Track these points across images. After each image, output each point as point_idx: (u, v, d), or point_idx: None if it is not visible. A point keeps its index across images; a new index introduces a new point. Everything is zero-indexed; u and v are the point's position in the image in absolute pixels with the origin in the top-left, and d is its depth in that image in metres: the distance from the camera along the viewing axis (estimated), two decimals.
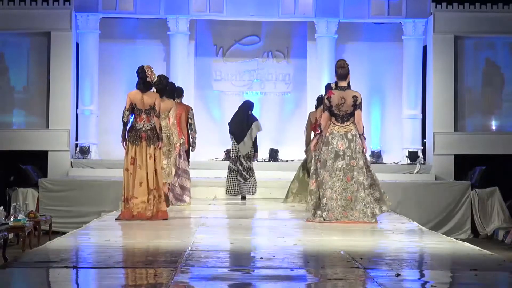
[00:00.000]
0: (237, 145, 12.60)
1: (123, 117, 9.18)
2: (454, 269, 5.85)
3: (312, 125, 11.81)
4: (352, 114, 9.00)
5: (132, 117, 9.23)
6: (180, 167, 11.33)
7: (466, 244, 7.13)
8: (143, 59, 16.63)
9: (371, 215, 8.86)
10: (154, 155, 9.14)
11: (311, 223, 8.89)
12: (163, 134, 9.63)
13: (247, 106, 12.88)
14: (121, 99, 16.76)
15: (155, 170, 9.14)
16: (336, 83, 9.20)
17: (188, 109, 11.79)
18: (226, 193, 12.83)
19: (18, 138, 15.55)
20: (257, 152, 12.80)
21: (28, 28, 15.79)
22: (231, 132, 12.74)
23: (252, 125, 12.58)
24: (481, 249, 6.73)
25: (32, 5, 15.66)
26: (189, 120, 11.70)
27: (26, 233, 11.09)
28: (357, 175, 8.91)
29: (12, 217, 11.02)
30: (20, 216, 11.10)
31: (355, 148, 8.95)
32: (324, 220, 8.84)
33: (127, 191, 9.13)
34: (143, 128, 9.14)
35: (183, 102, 11.96)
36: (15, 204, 12.09)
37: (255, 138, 12.68)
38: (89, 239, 7.43)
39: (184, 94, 12.06)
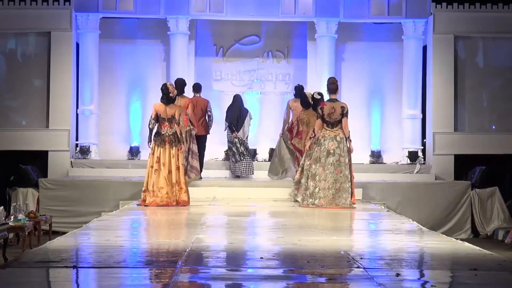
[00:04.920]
0: (234, 132, 14.35)
1: (149, 125, 11.26)
2: (454, 269, 5.86)
3: (288, 126, 13.52)
4: (340, 121, 11.10)
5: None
6: (192, 149, 13.12)
7: (466, 244, 7.14)
8: (143, 59, 16.77)
9: (349, 203, 11.00)
10: (178, 155, 11.14)
11: (311, 223, 8.93)
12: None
13: (241, 100, 14.72)
14: (121, 99, 16.84)
15: (178, 167, 11.12)
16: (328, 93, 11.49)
17: (206, 103, 13.92)
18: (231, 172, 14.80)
19: (18, 138, 15.53)
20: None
21: (28, 28, 15.77)
22: (229, 121, 14.45)
23: (247, 116, 14.45)
24: (481, 249, 6.73)
25: (32, 5, 15.65)
26: (208, 112, 13.85)
27: (26, 233, 11.08)
28: (344, 170, 11.04)
29: (12, 217, 11.01)
30: (20, 216, 11.09)
31: (343, 148, 11.09)
32: (316, 206, 10.91)
33: (150, 183, 11.05)
34: (166, 134, 11.16)
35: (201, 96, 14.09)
36: (15, 204, 12.08)
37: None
38: (89, 239, 7.43)
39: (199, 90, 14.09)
